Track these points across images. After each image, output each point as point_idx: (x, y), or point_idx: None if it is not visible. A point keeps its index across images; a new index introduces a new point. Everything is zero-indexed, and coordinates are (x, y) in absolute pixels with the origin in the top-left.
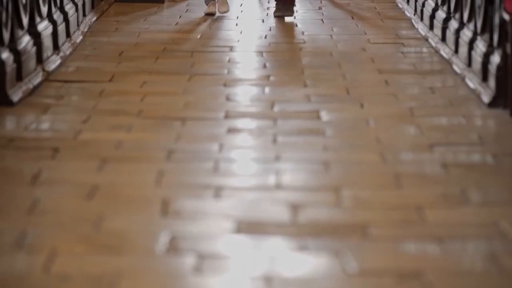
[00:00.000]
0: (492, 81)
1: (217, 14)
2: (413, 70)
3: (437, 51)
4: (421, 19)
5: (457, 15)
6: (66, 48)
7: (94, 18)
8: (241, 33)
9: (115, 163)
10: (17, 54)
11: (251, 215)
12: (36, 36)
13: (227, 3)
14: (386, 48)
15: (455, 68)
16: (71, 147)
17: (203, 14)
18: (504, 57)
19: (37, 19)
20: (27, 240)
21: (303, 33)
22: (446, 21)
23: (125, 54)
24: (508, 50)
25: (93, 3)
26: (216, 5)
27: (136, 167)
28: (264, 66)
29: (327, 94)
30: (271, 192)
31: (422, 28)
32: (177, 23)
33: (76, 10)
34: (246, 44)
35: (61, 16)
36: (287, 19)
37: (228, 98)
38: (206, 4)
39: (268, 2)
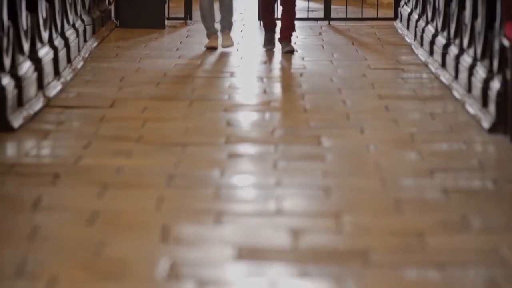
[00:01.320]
0: (492, 107)
1: (220, 48)
2: (413, 95)
3: (437, 77)
4: (421, 45)
5: (457, 41)
6: (67, 74)
7: (95, 44)
8: (241, 58)
9: (115, 189)
10: (18, 80)
11: (252, 241)
12: (37, 61)
13: (231, 37)
14: (386, 73)
15: (455, 94)
16: (72, 173)
17: (204, 48)
18: (504, 83)
19: (38, 44)
20: (27, 266)
21: (303, 58)
22: (446, 47)
23: (126, 79)
24: (508, 76)
25: (94, 29)
26: (219, 39)
27: (137, 193)
28: (265, 91)
29: (327, 120)
30: (271, 218)
31: (422, 54)
32: (177, 49)
33: (77, 36)
34: (246, 69)
35: (62, 42)
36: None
37: (228, 124)
38: (208, 38)
39: None
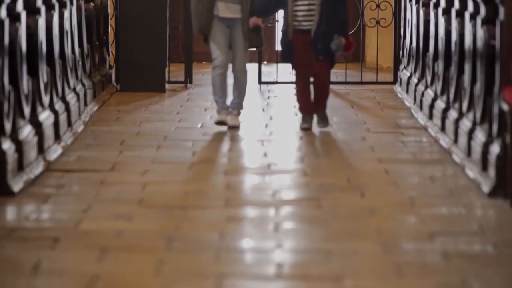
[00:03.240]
0: (492, 171)
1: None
2: (413, 159)
3: (436, 141)
4: (421, 108)
5: (456, 105)
6: (67, 138)
7: (96, 108)
8: (241, 122)
9: (115, 253)
10: (19, 144)
11: None
12: (37, 126)
13: (238, 119)
14: (386, 137)
15: (455, 157)
16: (72, 237)
17: (214, 123)
18: (503, 147)
19: (39, 109)
20: None
21: None
22: (445, 111)
23: (126, 143)
24: (508, 140)
25: (94, 92)
26: (228, 116)
27: (137, 257)
28: (265, 154)
29: (327, 183)
30: (272, 282)
31: (421, 117)
32: (178, 112)
33: (78, 100)
34: (246, 133)
35: (63, 106)
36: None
37: (228, 187)
38: (218, 113)
39: (269, 92)
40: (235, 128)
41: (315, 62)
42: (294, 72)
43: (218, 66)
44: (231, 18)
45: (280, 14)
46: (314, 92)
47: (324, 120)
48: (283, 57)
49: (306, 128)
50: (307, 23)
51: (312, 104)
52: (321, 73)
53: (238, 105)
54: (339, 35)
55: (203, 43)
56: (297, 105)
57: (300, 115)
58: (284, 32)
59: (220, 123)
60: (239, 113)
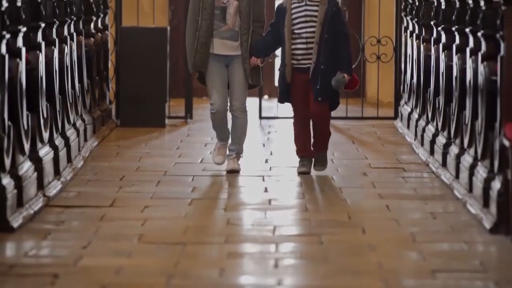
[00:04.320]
0: (493, 207)
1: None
2: (414, 195)
3: (438, 176)
4: (422, 144)
5: (458, 141)
6: (67, 173)
7: (96, 143)
8: (242, 157)
9: None
10: (18, 180)
11: None
12: (37, 161)
13: (238, 162)
14: (387, 173)
15: (456, 193)
16: (71, 273)
17: (225, 172)
18: (505, 183)
19: (39, 144)
20: None
21: None
22: (446, 146)
23: (126, 178)
24: (509, 176)
25: (94, 128)
26: (228, 161)
27: None
28: (266, 190)
29: (328, 219)
30: None
31: (422, 153)
32: (178, 148)
33: (78, 135)
34: (247, 168)
35: (63, 142)
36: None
37: (229, 223)
38: (218, 145)
39: (269, 127)
40: (234, 172)
41: (315, 104)
42: (292, 111)
43: (216, 111)
44: (227, 56)
45: (279, 50)
46: (313, 134)
47: (322, 164)
48: (282, 98)
49: (303, 172)
50: (305, 61)
51: (310, 147)
52: (321, 116)
53: (237, 150)
54: (342, 72)
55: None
56: (294, 147)
57: (297, 159)
58: (282, 72)
59: (217, 163)
60: (238, 158)
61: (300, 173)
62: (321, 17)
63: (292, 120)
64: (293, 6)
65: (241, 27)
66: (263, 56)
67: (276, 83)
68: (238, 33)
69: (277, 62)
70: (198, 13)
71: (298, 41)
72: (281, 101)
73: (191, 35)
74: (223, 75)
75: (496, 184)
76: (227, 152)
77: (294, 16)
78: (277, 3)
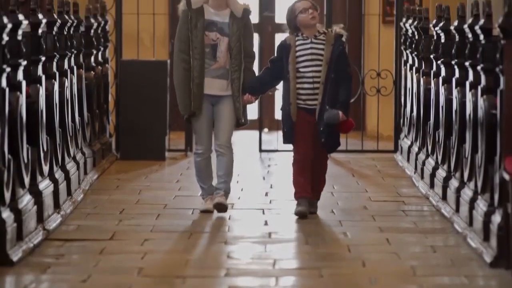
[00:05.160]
0: (493, 241)
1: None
2: (414, 228)
3: (438, 210)
4: (422, 177)
5: (458, 174)
6: (67, 207)
7: (96, 176)
8: (242, 190)
9: None
10: (18, 213)
11: None
12: (37, 195)
13: (225, 201)
14: (387, 206)
15: (456, 227)
16: None
17: (198, 212)
18: (505, 216)
19: (39, 178)
20: None
21: None
22: (446, 179)
23: (126, 211)
24: (509, 209)
25: (94, 161)
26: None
27: None
28: (266, 223)
29: (328, 252)
30: None
31: (422, 186)
32: (178, 181)
33: (78, 168)
34: (247, 201)
35: (63, 175)
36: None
37: (229, 256)
38: (203, 198)
39: (269, 160)
40: (222, 209)
41: (318, 145)
42: (293, 152)
43: (202, 154)
44: (215, 95)
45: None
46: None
47: (314, 207)
48: (288, 138)
49: (301, 212)
50: (311, 101)
51: (310, 189)
52: (323, 158)
53: (224, 188)
54: (338, 109)
55: None
56: (293, 189)
57: (295, 201)
58: (287, 111)
59: (206, 211)
60: (226, 196)
61: (297, 213)
62: (328, 56)
63: (289, 154)
64: (297, 43)
65: (232, 63)
66: (258, 94)
67: (276, 116)
68: (228, 71)
69: (277, 95)
70: (185, 52)
71: (304, 80)
72: (288, 141)
73: (181, 76)
74: (210, 115)
75: (497, 218)
76: (214, 193)
77: (298, 53)
78: (277, 38)
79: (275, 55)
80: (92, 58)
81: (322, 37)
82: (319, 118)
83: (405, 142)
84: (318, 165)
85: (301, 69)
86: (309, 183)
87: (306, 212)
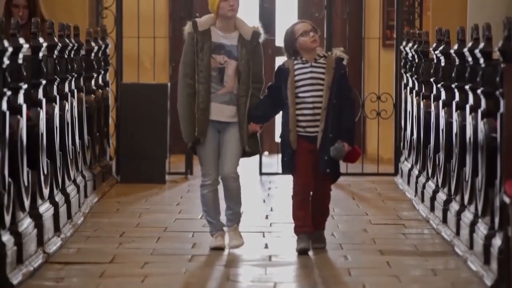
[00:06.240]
0: (494, 264)
1: (227, 248)
2: (415, 251)
3: (438, 233)
4: (422, 200)
5: (458, 197)
6: (67, 230)
7: (96, 199)
8: (242, 213)
9: None
10: (18, 237)
11: None
12: (37, 218)
13: (240, 234)
14: (387, 229)
15: (457, 250)
16: None
17: (208, 248)
18: (505, 240)
19: (39, 201)
20: None
21: None
22: (447, 203)
23: (126, 234)
24: (510, 233)
25: (94, 184)
26: (226, 236)
27: None
28: (266, 246)
29: (329, 275)
30: None
31: (423, 209)
32: (178, 204)
33: (78, 191)
34: (247, 224)
35: (63, 198)
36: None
37: (229, 279)
38: (211, 235)
39: (270, 183)
40: (238, 247)
41: (320, 175)
42: (293, 183)
43: (209, 185)
44: (222, 122)
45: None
46: (313, 211)
47: (322, 241)
48: (287, 168)
49: (303, 249)
50: (312, 129)
51: (310, 222)
52: (325, 193)
53: (235, 216)
54: (343, 141)
55: None
56: (293, 223)
57: (296, 236)
58: (286, 139)
59: (216, 248)
60: (238, 225)
61: (299, 251)
62: (329, 80)
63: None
64: (296, 67)
65: (240, 88)
66: (263, 122)
67: (277, 139)
68: (236, 96)
69: (277, 118)
70: (191, 76)
71: (303, 106)
72: (287, 171)
73: (185, 101)
74: (216, 142)
75: (497, 241)
76: (225, 224)
77: (297, 78)
78: (277, 61)
79: (273, 81)
80: (93, 82)
81: (322, 61)
82: (321, 146)
83: (405, 165)
84: (321, 195)
85: (300, 94)
86: (309, 216)
87: (308, 249)
